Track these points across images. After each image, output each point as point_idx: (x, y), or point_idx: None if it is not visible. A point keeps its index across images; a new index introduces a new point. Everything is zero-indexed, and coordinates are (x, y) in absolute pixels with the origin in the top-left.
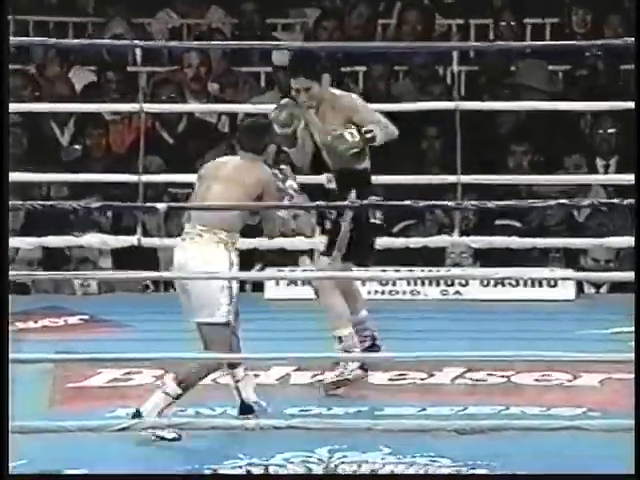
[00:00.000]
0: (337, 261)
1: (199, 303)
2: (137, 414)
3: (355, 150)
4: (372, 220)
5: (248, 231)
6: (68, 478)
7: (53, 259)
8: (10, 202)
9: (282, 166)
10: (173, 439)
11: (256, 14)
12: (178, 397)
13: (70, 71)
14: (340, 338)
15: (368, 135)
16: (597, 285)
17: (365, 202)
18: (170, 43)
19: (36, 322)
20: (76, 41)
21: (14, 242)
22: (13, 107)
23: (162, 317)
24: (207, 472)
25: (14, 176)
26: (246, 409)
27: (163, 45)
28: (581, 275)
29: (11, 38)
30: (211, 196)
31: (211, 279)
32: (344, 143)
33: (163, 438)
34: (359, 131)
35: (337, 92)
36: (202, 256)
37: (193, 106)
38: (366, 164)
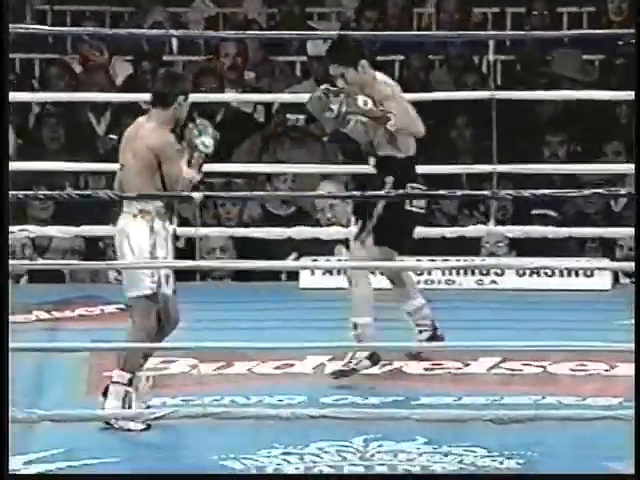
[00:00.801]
0: (368, 245)
1: (126, 278)
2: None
3: (359, 118)
4: (408, 207)
5: (282, 222)
6: (68, 478)
7: (90, 249)
8: (48, 192)
9: (198, 120)
10: (143, 429)
11: (293, 3)
12: (130, 382)
13: (110, 62)
14: (356, 325)
15: (384, 114)
16: (630, 275)
17: (399, 192)
18: (207, 32)
19: (73, 311)
20: (112, 31)
21: (50, 231)
22: (49, 96)
23: (197, 306)
24: (243, 461)
25: (50, 165)
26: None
27: (199, 34)
28: (617, 265)
29: (49, 28)
30: (123, 171)
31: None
32: (351, 105)
33: (129, 430)
34: (375, 105)
35: (379, 78)
36: (122, 231)
37: (227, 95)
38: (408, 152)
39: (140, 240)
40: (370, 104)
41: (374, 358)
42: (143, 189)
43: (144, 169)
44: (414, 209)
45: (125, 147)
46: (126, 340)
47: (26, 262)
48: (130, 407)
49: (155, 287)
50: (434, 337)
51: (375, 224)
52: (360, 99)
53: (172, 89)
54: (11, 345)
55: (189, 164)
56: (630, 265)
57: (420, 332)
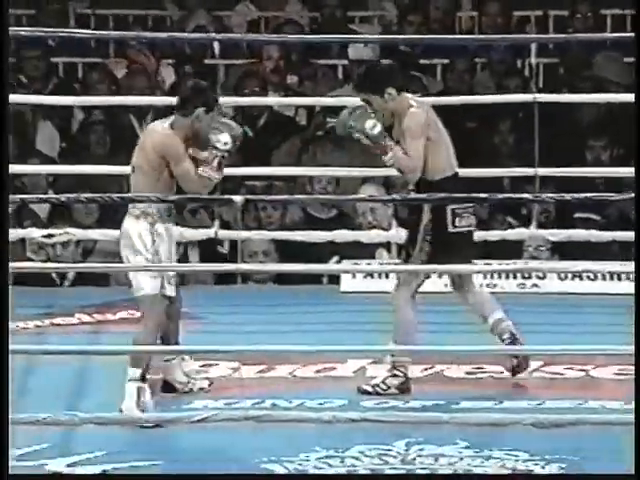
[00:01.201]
0: (407, 282)
1: (132, 279)
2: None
3: (357, 134)
4: (452, 229)
5: (324, 225)
6: (68, 478)
7: None
8: (83, 195)
9: (223, 119)
10: (155, 426)
11: (334, 7)
12: (143, 377)
13: (158, 66)
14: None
15: (384, 145)
16: None
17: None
18: (249, 36)
19: (114, 314)
20: (154, 34)
21: (91, 234)
22: (94, 100)
23: (238, 309)
24: (284, 464)
25: (91, 169)
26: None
27: (241, 38)
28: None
29: (90, 32)
30: (134, 173)
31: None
32: (358, 119)
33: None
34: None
35: (412, 109)
36: (124, 232)
37: (268, 99)
38: (436, 175)
39: (144, 239)
40: (377, 130)
41: (404, 386)
42: (144, 191)
43: (147, 169)
44: (461, 229)
45: (137, 149)
46: (136, 337)
47: (26, 264)
48: (144, 401)
49: (159, 287)
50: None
51: (427, 253)
52: (369, 122)
53: (193, 99)
54: (50, 347)
55: (208, 163)
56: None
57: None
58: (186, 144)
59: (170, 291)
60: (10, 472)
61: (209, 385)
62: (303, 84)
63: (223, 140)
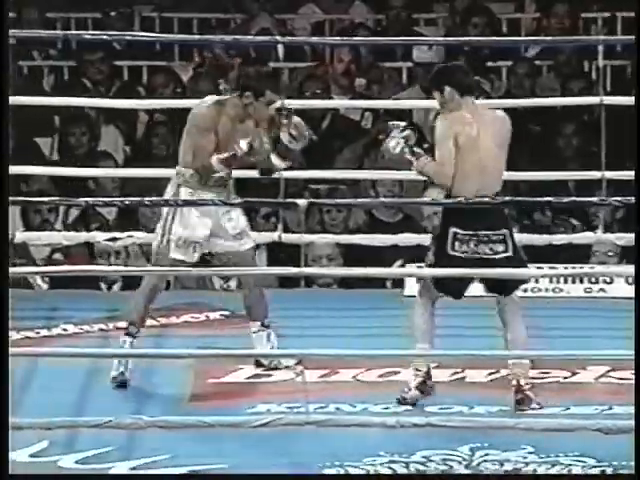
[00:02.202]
0: (425, 288)
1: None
2: None
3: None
4: (451, 252)
5: (389, 229)
6: (68, 478)
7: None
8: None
9: (295, 119)
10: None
11: (399, 9)
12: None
13: (232, 69)
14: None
15: (410, 157)
16: None
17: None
18: (312, 39)
19: (178, 317)
20: (219, 37)
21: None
22: (155, 103)
23: (302, 313)
24: (348, 469)
25: (158, 172)
26: None
27: (304, 40)
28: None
29: (156, 35)
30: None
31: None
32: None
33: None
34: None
35: (460, 112)
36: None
37: (332, 102)
38: (461, 193)
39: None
40: (399, 148)
41: (422, 387)
42: (184, 157)
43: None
44: (458, 254)
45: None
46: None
47: (25, 269)
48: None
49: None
50: None
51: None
52: (392, 141)
53: (244, 82)
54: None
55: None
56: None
57: None
58: (232, 124)
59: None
60: (30, 472)
61: (296, 364)
62: (371, 87)
63: (241, 145)
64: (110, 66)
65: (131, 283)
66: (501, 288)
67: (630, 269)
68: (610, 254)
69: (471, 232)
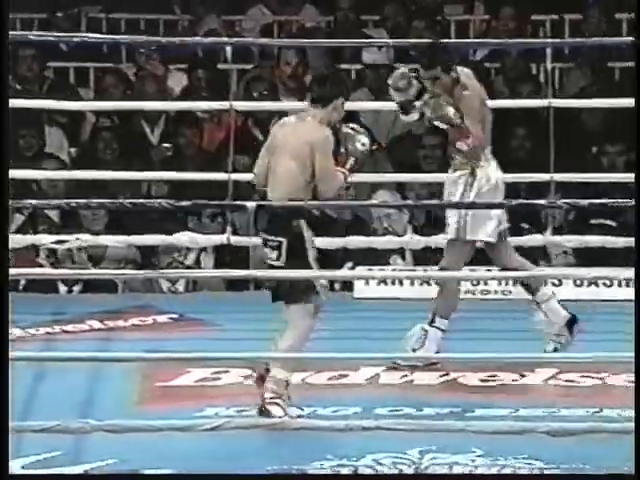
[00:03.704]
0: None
1: None
2: None
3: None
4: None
5: (339, 231)
6: (69, 478)
7: (145, 259)
8: (95, 200)
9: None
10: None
11: (348, 11)
12: None
13: (166, 71)
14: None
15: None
16: None
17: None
18: (261, 40)
19: (126, 321)
20: (166, 39)
21: (102, 240)
22: (104, 105)
23: (250, 316)
24: (295, 472)
25: (103, 175)
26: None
27: (253, 42)
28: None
29: (102, 36)
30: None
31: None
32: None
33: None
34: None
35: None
36: None
37: (282, 104)
38: None
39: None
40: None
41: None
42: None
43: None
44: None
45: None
46: None
47: (26, 270)
48: None
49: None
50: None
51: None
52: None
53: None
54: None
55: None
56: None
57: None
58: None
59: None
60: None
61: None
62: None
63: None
64: (43, 67)
65: (93, 285)
66: (280, 296)
67: (577, 271)
68: (567, 256)
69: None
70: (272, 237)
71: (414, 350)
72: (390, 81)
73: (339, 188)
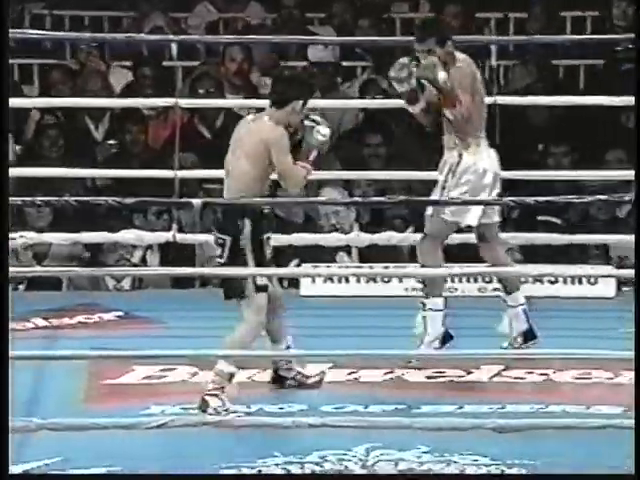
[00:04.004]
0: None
1: None
2: None
3: (428, 84)
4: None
5: (285, 228)
6: (68, 478)
7: (91, 256)
8: (42, 198)
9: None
10: None
11: (293, 8)
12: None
13: (109, 68)
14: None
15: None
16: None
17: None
18: (207, 37)
19: (71, 318)
20: (111, 36)
21: (47, 237)
22: (49, 102)
23: (195, 314)
24: (243, 470)
25: (48, 172)
26: None
27: (198, 39)
28: (620, 272)
29: (47, 33)
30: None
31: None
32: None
33: None
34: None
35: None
36: None
37: (227, 101)
38: None
39: None
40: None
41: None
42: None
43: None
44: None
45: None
46: None
47: (28, 269)
48: None
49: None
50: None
51: None
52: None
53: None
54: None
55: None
56: (629, 272)
57: None
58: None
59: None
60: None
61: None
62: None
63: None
64: None
65: (37, 283)
66: (229, 293)
67: (523, 268)
68: (514, 253)
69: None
70: (219, 235)
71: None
72: (391, 73)
73: (301, 182)
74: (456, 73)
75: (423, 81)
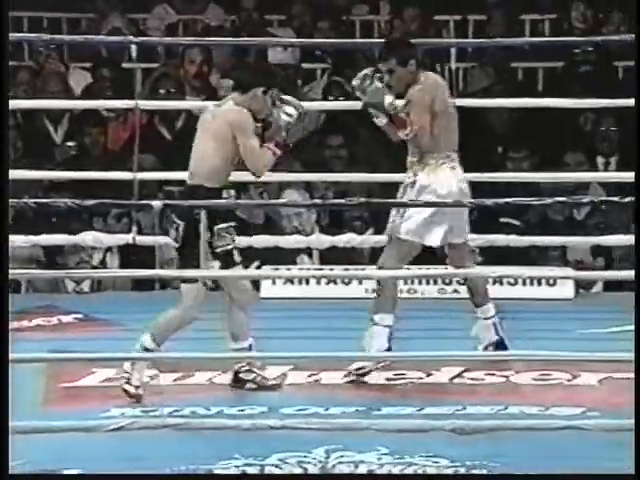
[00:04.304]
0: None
1: None
2: None
3: (374, 111)
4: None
5: (246, 230)
6: (68, 478)
7: (50, 258)
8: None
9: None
10: None
11: (252, 10)
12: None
13: (68, 69)
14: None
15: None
16: (584, 286)
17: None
18: (166, 39)
19: (30, 321)
20: (69, 37)
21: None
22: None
23: (155, 316)
24: (202, 472)
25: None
26: None
27: (159, 41)
28: (579, 274)
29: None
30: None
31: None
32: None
33: None
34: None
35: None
36: None
37: (188, 103)
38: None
39: None
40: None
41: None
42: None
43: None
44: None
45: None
46: None
47: (26, 270)
48: None
49: None
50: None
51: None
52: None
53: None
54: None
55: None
56: (593, 274)
57: None
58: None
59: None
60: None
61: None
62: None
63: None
64: None
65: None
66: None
67: (482, 270)
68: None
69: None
70: (176, 219)
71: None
72: (355, 83)
73: (267, 165)
74: (411, 95)
75: (369, 109)
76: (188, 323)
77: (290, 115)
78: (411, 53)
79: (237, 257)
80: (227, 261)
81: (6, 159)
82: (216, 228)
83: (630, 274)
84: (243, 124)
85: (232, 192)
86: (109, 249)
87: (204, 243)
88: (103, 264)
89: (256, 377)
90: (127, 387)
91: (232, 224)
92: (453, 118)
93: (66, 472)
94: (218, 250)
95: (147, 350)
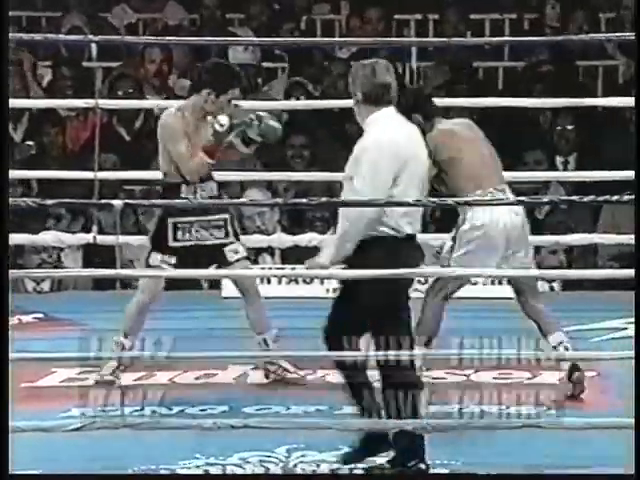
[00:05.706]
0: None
1: None
2: None
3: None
4: (172, 243)
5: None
6: (68, 478)
7: (10, 258)
8: None
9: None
10: None
11: (214, 9)
12: None
13: (33, 67)
14: None
15: None
16: (549, 281)
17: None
18: (127, 38)
19: None
20: (29, 35)
21: None
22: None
23: (116, 315)
24: (163, 472)
25: None
26: None
27: (120, 40)
28: (539, 272)
29: None
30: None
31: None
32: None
33: None
34: None
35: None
36: None
37: (148, 102)
38: None
39: None
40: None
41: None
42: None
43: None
44: (184, 243)
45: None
46: None
47: (26, 270)
48: None
49: None
50: None
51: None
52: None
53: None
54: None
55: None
56: (557, 273)
57: None
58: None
59: None
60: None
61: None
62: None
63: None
64: None
65: None
66: None
67: (442, 269)
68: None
69: (192, 219)
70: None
71: None
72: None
73: (196, 170)
74: (430, 143)
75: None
76: (147, 303)
77: (222, 125)
78: (428, 108)
79: (241, 252)
80: (185, 257)
81: (6, 159)
82: (170, 221)
83: (630, 273)
84: (167, 129)
85: (212, 185)
86: (62, 249)
87: (150, 237)
88: (59, 262)
89: (277, 369)
90: (98, 377)
91: (194, 219)
92: (477, 155)
93: (22, 472)
94: (175, 245)
95: (122, 346)
